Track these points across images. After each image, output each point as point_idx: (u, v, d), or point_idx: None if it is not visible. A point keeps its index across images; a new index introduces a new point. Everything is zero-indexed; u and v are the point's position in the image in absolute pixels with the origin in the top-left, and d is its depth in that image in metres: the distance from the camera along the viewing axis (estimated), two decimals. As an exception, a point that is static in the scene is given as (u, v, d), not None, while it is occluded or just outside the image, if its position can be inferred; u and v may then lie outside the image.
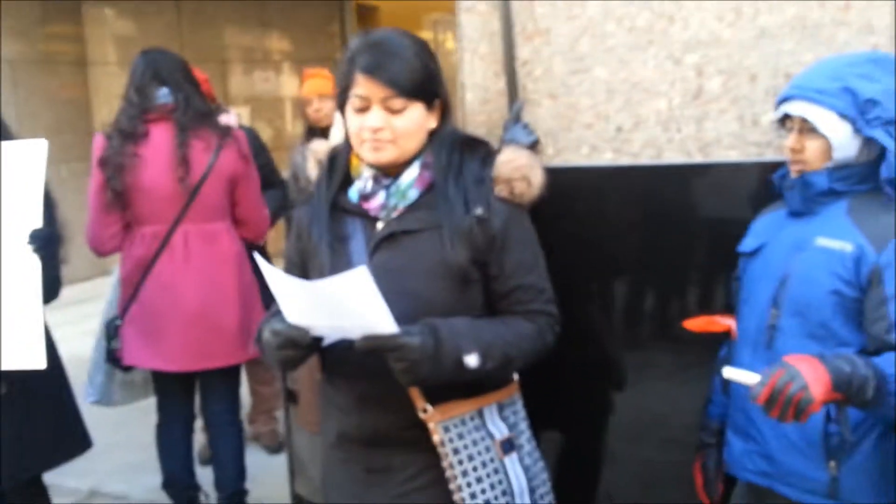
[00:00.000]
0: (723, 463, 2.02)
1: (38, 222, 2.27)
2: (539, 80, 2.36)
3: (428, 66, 1.67)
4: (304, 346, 1.62)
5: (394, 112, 1.63)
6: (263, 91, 9.00)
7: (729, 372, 1.66)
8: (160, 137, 2.91)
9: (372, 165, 1.69)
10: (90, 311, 6.11)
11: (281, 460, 3.85)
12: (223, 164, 2.96)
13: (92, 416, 2.83)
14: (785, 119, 1.86)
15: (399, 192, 1.69)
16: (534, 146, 2.29)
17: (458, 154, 1.71)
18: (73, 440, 2.75)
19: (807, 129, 1.79)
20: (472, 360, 1.59)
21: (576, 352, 2.21)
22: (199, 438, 3.61)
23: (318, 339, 1.65)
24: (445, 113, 1.73)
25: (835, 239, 1.74)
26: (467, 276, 1.66)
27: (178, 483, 3.14)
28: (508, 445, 1.72)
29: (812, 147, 1.79)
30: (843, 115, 1.74)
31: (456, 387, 1.66)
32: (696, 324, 2.08)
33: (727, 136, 2.20)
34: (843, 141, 1.75)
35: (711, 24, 2.18)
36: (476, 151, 1.73)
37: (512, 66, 2.35)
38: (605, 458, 2.47)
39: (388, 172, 1.70)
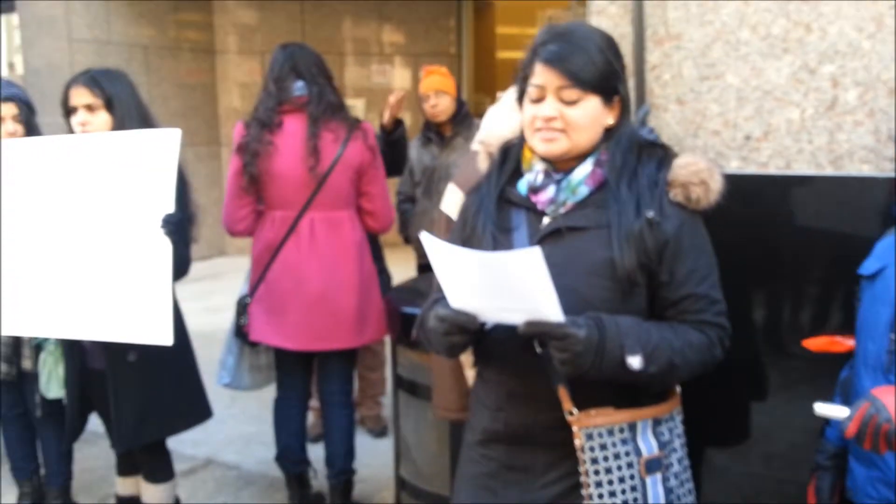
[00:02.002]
0: (837, 487, 1.98)
1: (170, 207, 2.41)
2: (667, 85, 2.36)
3: (609, 62, 1.65)
4: (471, 331, 1.61)
5: (568, 103, 1.62)
6: (378, 84, 9.19)
7: (820, 408, 1.64)
8: (293, 127, 3.06)
9: (544, 159, 1.69)
10: (209, 289, 6.42)
11: (384, 444, 3.97)
12: (351, 154, 3.08)
13: (209, 389, 2.98)
14: None
15: (570, 188, 1.67)
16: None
17: (633, 155, 1.68)
18: (195, 409, 2.92)
19: None
20: (635, 362, 1.54)
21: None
22: (309, 417, 3.74)
23: (483, 325, 1.63)
24: (625, 112, 1.70)
25: None
26: (632, 280, 1.61)
27: (291, 457, 3.27)
28: (655, 464, 1.65)
29: None
30: None
31: (609, 395, 1.62)
32: (816, 343, 2.02)
33: (861, 149, 2.15)
34: None
35: (850, 34, 2.14)
36: (653, 154, 1.70)
37: (641, 70, 2.36)
38: (710, 469, 2.45)
39: (560, 167, 1.69)
